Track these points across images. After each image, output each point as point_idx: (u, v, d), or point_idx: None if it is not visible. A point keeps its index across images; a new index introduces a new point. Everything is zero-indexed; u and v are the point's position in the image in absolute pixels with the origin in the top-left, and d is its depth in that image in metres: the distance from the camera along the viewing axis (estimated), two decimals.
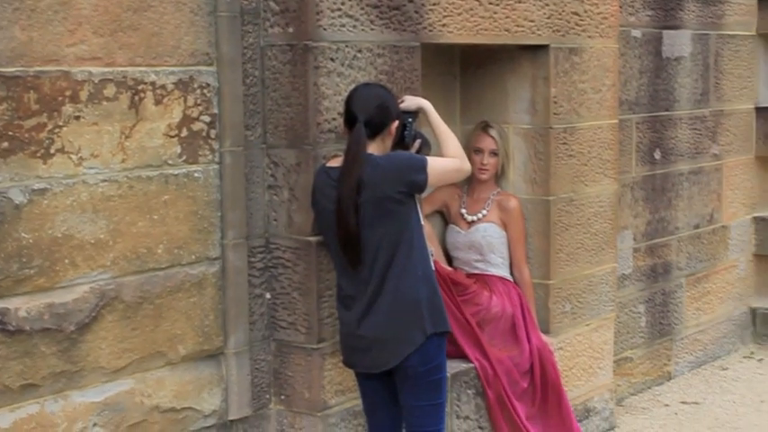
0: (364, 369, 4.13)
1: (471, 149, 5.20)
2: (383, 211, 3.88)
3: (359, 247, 3.90)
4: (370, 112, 3.95)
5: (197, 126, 4.11)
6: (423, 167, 3.95)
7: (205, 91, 4.13)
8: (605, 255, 5.70)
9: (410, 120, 4.20)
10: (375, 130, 3.97)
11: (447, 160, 4.14)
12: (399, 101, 4.22)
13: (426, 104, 4.30)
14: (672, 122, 6.57)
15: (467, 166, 4.19)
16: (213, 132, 4.16)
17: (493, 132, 5.24)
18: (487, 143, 5.23)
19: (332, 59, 4.23)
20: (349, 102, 4.03)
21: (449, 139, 4.22)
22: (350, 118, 3.98)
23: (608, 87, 5.61)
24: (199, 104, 4.11)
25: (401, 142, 4.15)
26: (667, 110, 6.52)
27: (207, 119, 4.14)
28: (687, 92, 6.67)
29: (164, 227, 4.02)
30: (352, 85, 4.22)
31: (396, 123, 4.05)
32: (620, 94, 5.96)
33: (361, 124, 3.92)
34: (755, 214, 7.48)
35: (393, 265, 3.92)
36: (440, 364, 4.07)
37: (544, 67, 5.25)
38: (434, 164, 4.01)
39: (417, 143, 4.24)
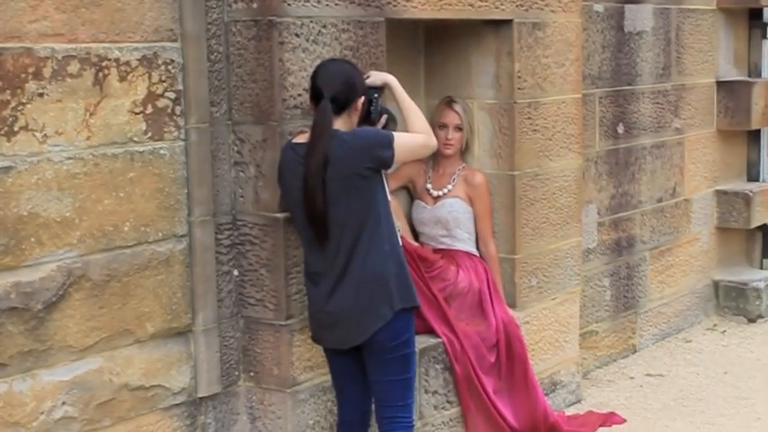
0: (333, 345, 4.15)
1: (436, 125, 5.21)
2: (350, 188, 3.90)
3: (326, 223, 3.92)
4: (336, 88, 3.96)
5: (162, 103, 4.10)
6: (389, 143, 3.97)
7: (170, 67, 4.11)
8: (570, 229, 5.75)
9: (376, 95, 4.21)
10: (341, 105, 3.98)
11: (413, 136, 4.16)
12: (365, 76, 4.23)
13: (392, 80, 4.32)
14: (634, 97, 6.62)
15: (433, 141, 4.21)
16: (178, 109, 4.15)
17: (457, 107, 5.27)
18: (452, 118, 5.25)
19: (296, 35, 4.24)
20: (315, 77, 4.03)
21: (415, 114, 4.24)
22: (316, 94, 3.99)
23: (571, 62, 5.64)
24: (163, 81, 4.09)
25: (367, 118, 4.17)
26: (630, 84, 6.57)
27: (172, 95, 4.13)
28: (649, 66, 6.72)
29: (130, 204, 4.01)
30: (318, 61, 4.23)
31: (362, 99, 4.07)
32: (584, 69, 5.99)
33: (326, 100, 3.93)
34: (717, 187, 7.55)
35: (360, 240, 3.94)
36: (408, 339, 4.09)
37: (508, 41, 5.28)
38: (401, 140, 4.03)
39: (383, 119, 4.26)
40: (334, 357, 4.20)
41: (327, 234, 3.93)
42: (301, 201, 3.93)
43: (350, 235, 3.93)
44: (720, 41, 7.48)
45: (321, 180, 3.86)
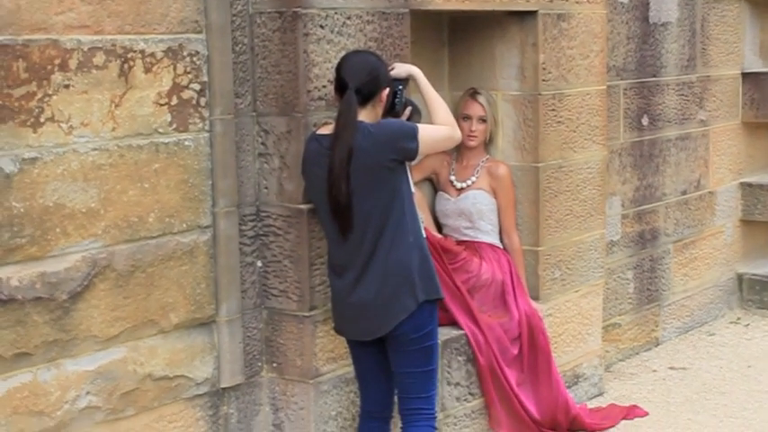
0: (356, 336, 4.16)
1: (460, 116, 5.21)
2: (374, 179, 3.91)
3: (350, 214, 3.93)
4: (360, 79, 3.97)
5: (187, 94, 4.12)
6: (414, 135, 3.98)
7: (194, 59, 4.13)
8: (594, 221, 5.75)
9: (400, 87, 4.22)
10: (366, 97, 3.99)
11: (438, 128, 4.17)
12: (389, 68, 4.24)
13: (416, 71, 4.32)
14: (659, 88, 6.60)
15: (457, 133, 4.22)
16: (203, 100, 4.17)
17: (481, 99, 5.27)
18: (476, 110, 5.25)
19: (321, 26, 4.24)
20: (340, 69, 4.04)
21: (439, 106, 4.25)
22: (341, 85, 4.00)
23: (596, 53, 5.63)
24: (188, 72, 4.11)
25: (391, 110, 4.18)
26: (654, 76, 6.55)
27: (197, 87, 4.14)
28: (674, 58, 6.70)
29: (155, 195, 4.03)
30: (342, 53, 4.24)
31: (386, 91, 4.07)
32: (608, 61, 5.98)
33: (351, 91, 3.94)
34: (742, 180, 7.52)
35: (384, 232, 3.95)
36: (431, 330, 4.11)
37: (532, 33, 5.27)
38: (425, 131, 4.04)
39: (408, 111, 4.27)
40: (358, 349, 4.22)
41: (351, 226, 3.94)
42: (325, 192, 3.94)
43: (374, 227, 3.94)
44: (746, 33, 7.45)
45: (346, 172, 3.88)
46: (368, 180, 3.91)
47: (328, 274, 4.19)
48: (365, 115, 4.00)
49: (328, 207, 3.96)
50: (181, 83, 4.09)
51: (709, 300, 7.32)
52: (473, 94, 5.28)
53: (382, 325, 4.02)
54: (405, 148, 3.95)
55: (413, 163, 4.17)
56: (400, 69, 4.30)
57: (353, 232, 3.96)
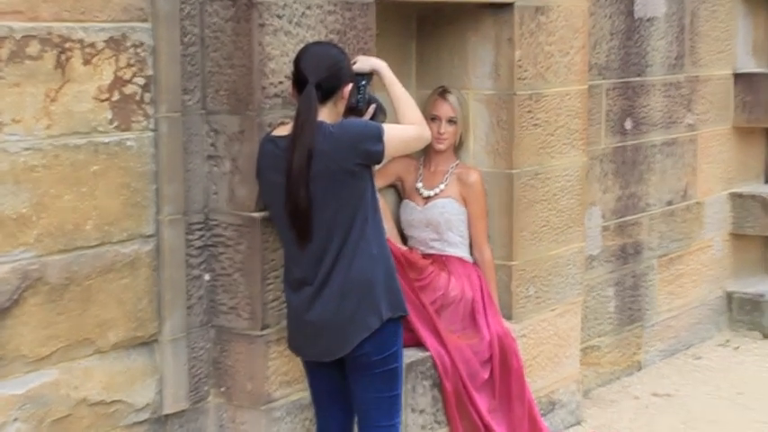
0: (313, 357, 4.18)
1: (427, 117, 5.23)
2: (336, 185, 3.93)
3: (309, 223, 3.95)
4: (321, 74, 3.99)
5: (130, 89, 4.12)
6: (379, 136, 4.01)
7: (139, 50, 4.13)
8: (572, 233, 5.80)
9: (363, 83, 4.25)
10: (327, 93, 4.01)
11: (405, 127, 4.20)
12: (352, 62, 4.27)
13: (381, 65, 4.35)
14: (644, 89, 6.68)
15: (427, 133, 4.25)
16: (148, 96, 4.17)
17: (451, 98, 5.31)
18: (445, 110, 5.29)
19: (278, 16, 4.26)
20: (298, 62, 4.06)
21: (406, 104, 4.28)
22: (299, 80, 4.02)
23: (576, 50, 5.69)
24: (132, 65, 4.11)
25: (354, 108, 4.20)
26: (639, 75, 6.62)
27: (141, 81, 4.14)
28: (661, 56, 6.78)
29: (93, 201, 4.03)
30: (301, 45, 4.25)
31: (349, 86, 4.10)
32: (590, 58, 6.04)
33: (311, 86, 3.96)
34: (732, 190, 7.62)
35: (346, 243, 3.97)
36: (396, 352, 4.13)
37: (508, 27, 5.32)
38: (392, 132, 4.07)
39: (371, 109, 4.29)
40: (315, 371, 4.24)
41: (311, 236, 3.97)
42: (282, 199, 3.96)
43: (335, 237, 3.97)
44: (739, 29, 7.54)
45: (305, 177, 3.89)
46: (329, 186, 3.93)
47: (284, 289, 4.21)
48: (326, 114, 4.02)
49: (285, 215, 3.98)
50: (123, 76, 4.09)
51: (697, 320, 7.40)
52: (442, 92, 5.32)
53: (342, 345, 4.04)
54: (369, 150, 3.98)
55: (377, 167, 4.20)
56: (363, 63, 4.33)
57: (312, 243, 3.98)
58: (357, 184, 3.98)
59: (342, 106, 4.12)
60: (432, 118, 5.28)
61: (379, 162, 4.07)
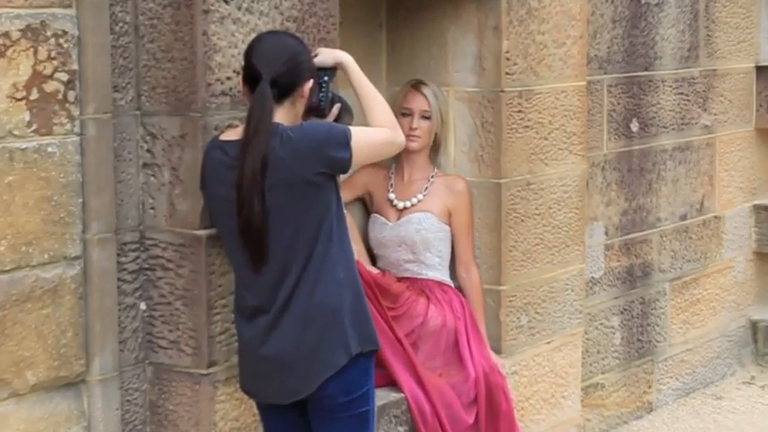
0: (269, 399, 4.17)
1: (398, 111, 5.22)
2: (296, 198, 3.93)
3: (264, 242, 3.94)
4: (276, 69, 3.99)
5: (51, 86, 4.10)
6: (345, 141, 4.00)
7: (61, 41, 4.12)
8: (571, 253, 5.81)
9: (326, 78, 4.25)
10: (284, 91, 4.01)
11: (375, 131, 4.19)
12: (313, 54, 4.27)
13: (346, 59, 4.35)
14: (653, 85, 6.70)
15: (400, 137, 4.24)
16: (72, 95, 4.15)
17: (426, 91, 5.31)
18: (418, 102, 5.29)
19: (225, 2, 4.26)
20: (249, 55, 4.06)
21: (376, 103, 4.28)
22: (251, 76, 4.01)
23: (574, 40, 5.71)
24: (53, 58, 4.09)
25: (316, 108, 4.20)
26: (647, 69, 6.65)
27: (64, 77, 4.13)
28: (671, 46, 6.81)
29: (7, 217, 4.00)
30: (253, 35, 4.25)
31: (309, 83, 4.10)
32: (589, 50, 6.06)
33: (266, 83, 3.95)
34: (756, 202, 7.65)
35: (308, 265, 3.97)
36: (366, 393, 4.12)
37: (494, 13, 5.34)
38: (360, 136, 4.07)
39: (336, 109, 4.29)
40: (271, 415, 4.23)
41: (266, 257, 3.96)
42: (233, 214, 3.95)
43: (295, 258, 3.96)
44: (762, 16, 7.58)
45: (259, 188, 3.88)
46: (288, 199, 3.93)
47: (235, 319, 4.20)
48: (282, 115, 4.02)
49: (236, 233, 3.97)
50: (43, 71, 4.07)
51: (716, 353, 7.42)
52: (416, 83, 5.33)
53: (303, 384, 4.04)
54: (334, 157, 3.98)
55: (343, 177, 4.20)
56: (326, 56, 4.32)
57: (268, 265, 3.97)
58: (320, 197, 3.98)
59: (301, 106, 4.12)
60: (403, 112, 5.27)
61: (345, 171, 4.07)
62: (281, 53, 4.03)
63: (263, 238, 3.93)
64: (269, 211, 3.91)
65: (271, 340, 4.02)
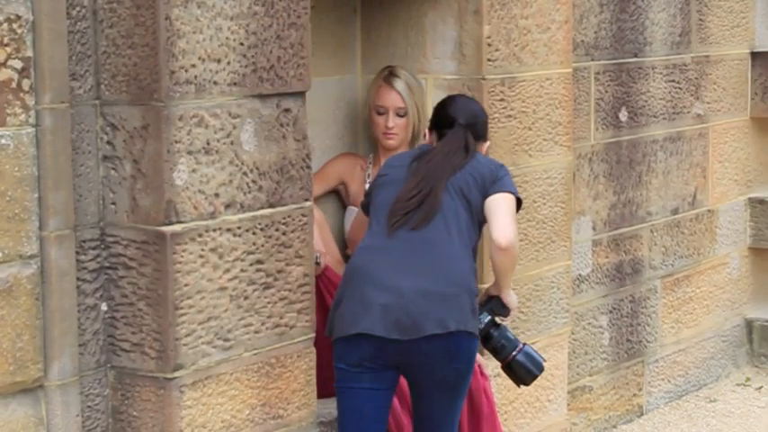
0: (386, 332, 4.56)
1: (372, 108, 5.25)
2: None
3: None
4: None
5: (4, 74, 4.06)
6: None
7: (14, 26, 4.08)
8: (556, 249, 5.80)
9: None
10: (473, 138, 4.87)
11: (513, 209, 4.80)
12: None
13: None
14: (642, 72, 6.70)
15: (515, 242, 4.72)
16: (26, 83, 4.12)
17: (398, 84, 5.28)
18: (392, 100, 5.27)
19: None
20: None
21: None
22: (445, 121, 4.88)
23: (559, 25, 5.70)
24: (6, 45, 4.06)
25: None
26: (636, 55, 6.65)
27: (17, 64, 4.09)
28: (662, 31, 6.81)
29: None
30: (218, 19, 4.26)
31: (488, 144, 5.01)
32: (575, 35, 6.06)
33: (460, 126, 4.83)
34: (751, 195, 7.66)
35: None
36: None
37: None
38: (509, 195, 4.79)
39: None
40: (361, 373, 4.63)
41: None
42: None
43: None
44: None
45: (447, 176, 4.71)
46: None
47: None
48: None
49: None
50: None
51: (710, 354, 7.42)
52: (388, 76, 5.31)
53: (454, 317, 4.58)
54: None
55: (315, 169, 4.20)
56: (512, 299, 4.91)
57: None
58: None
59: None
60: (377, 110, 5.27)
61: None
62: (474, 107, 4.97)
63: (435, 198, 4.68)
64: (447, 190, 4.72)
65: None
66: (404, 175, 4.71)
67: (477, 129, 4.88)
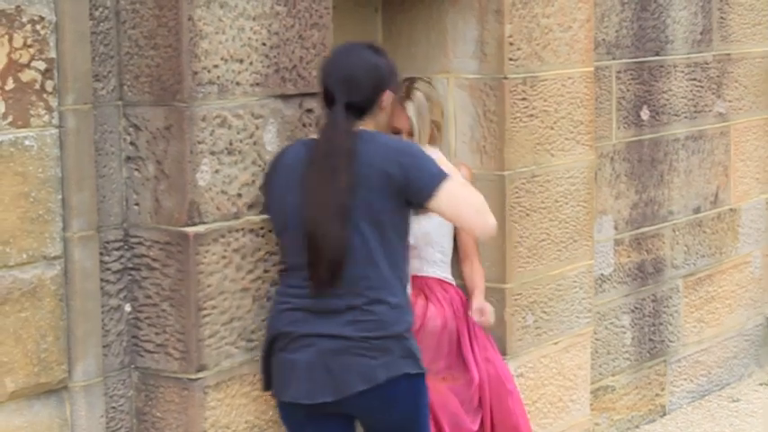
0: (306, 398, 4.26)
1: (390, 129, 5.22)
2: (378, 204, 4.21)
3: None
4: (352, 91, 4.24)
5: (28, 75, 4.08)
6: (436, 184, 4.22)
7: (38, 27, 4.10)
8: (579, 249, 5.80)
9: None
10: (361, 110, 4.27)
11: (476, 193, 4.39)
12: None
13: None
14: (664, 71, 6.69)
15: (491, 220, 4.35)
16: (50, 84, 4.14)
17: (410, 107, 5.20)
18: (403, 122, 5.19)
19: None
20: (323, 74, 4.32)
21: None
22: (327, 97, 4.29)
23: (581, 24, 5.70)
24: (30, 45, 4.08)
25: None
26: (658, 54, 6.64)
27: (41, 66, 4.11)
28: (683, 29, 6.80)
29: None
30: (241, 20, 4.27)
31: (388, 93, 4.34)
32: (596, 34, 6.05)
33: (340, 106, 4.21)
34: None
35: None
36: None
37: None
38: (457, 184, 4.28)
39: None
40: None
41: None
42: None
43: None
44: None
45: (344, 206, 4.14)
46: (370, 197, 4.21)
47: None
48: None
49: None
50: (19, 60, 4.05)
51: (732, 353, 7.41)
52: (403, 97, 5.23)
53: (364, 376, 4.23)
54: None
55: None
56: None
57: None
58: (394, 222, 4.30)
59: (383, 116, 4.39)
60: (393, 131, 5.25)
61: (420, 205, 4.30)
62: (357, 72, 4.26)
63: (339, 262, 4.17)
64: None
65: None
66: (296, 182, 4.23)
67: (361, 100, 4.26)
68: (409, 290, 4.44)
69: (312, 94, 4.54)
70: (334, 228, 4.10)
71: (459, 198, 4.26)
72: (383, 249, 4.21)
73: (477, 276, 5.32)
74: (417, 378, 4.31)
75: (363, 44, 4.42)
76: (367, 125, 4.29)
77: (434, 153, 4.61)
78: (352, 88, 4.23)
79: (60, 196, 4.20)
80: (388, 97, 4.34)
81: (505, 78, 5.36)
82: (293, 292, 4.26)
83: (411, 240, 5.24)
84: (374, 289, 4.20)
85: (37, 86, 4.12)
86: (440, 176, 4.22)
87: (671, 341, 6.90)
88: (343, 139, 4.18)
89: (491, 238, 5.33)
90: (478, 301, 5.23)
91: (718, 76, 7.10)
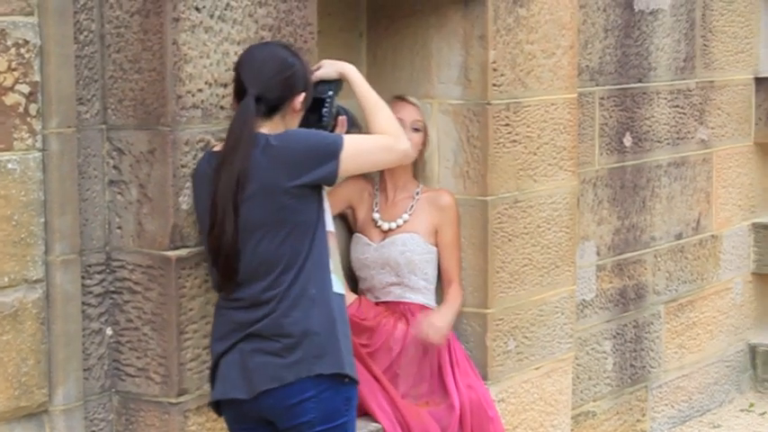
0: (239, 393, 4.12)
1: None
2: (272, 210, 4.02)
3: (234, 264, 4.03)
4: (264, 83, 4.08)
5: (11, 99, 4.07)
6: (334, 150, 4.06)
7: (22, 50, 4.09)
8: (561, 274, 5.80)
9: (330, 93, 4.30)
10: (272, 105, 4.10)
11: (374, 137, 4.24)
12: (315, 67, 4.33)
13: (350, 70, 4.42)
14: (647, 97, 6.70)
15: (403, 143, 4.25)
16: (34, 108, 4.13)
17: (413, 100, 5.30)
18: (408, 112, 5.25)
19: (197, 9, 4.25)
20: (238, 67, 4.17)
21: (379, 110, 4.33)
22: (239, 89, 4.12)
23: (564, 50, 5.71)
24: (14, 69, 4.07)
25: (319, 122, 4.24)
26: (641, 81, 6.66)
27: (25, 89, 4.11)
28: (666, 57, 6.82)
29: None
30: (225, 44, 4.26)
31: (301, 96, 4.15)
32: (580, 60, 6.06)
33: (250, 98, 4.04)
34: (755, 220, 7.66)
35: (282, 282, 4.07)
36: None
37: (480, 22, 5.33)
38: (354, 143, 4.12)
39: (343, 122, 4.34)
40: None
41: (235, 279, 4.04)
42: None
43: (268, 275, 4.04)
44: (761, 25, 7.60)
45: (233, 207, 3.96)
46: (263, 209, 4.00)
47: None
48: (269, 130, 4.09)
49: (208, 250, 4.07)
50: (3, 83, 4.05)
51: (713, 379, 7.41)
52: (400, 96, 5.32)
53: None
54: (318, 167, 4.04)
55: (327, 189, 4.20)
56: (329, 69, 4.39)
57: (240, 285, 4.07)
58: (300, 209, 4.05)
59: (293, 120, 4.20)
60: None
61: (329, 183, 4.12)
62: (270, 66, 4.12)
63: (232, 259, 4.00)
64: (244, 227, 3.98)
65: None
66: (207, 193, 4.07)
67: (271, 96, 4.11)
68: (341, 282, 4.22)
69: None
70: (229, 223, 3.96)
71: (363, 148, 4.19)
72: (292, 241, 4.03)
73: (451, 296, 5.32)
74: (335, 380, 4.10)
75: (281, 43, 4.39)
76: (276, 125, 4.13)
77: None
78: (263, 81, 4.09)
79: (43, 219, 4.19)
80: (300, 100, 4.17)
81: (489, 104, 5.36)
82: (222, 304, 4.19)
83: (395, 268, 5.28)
84: (286, 284, 4.03)
85: (21, 110, 4.11)
86: (335, 143, 4.07)
87: (652, 367, 6.90)
88: (251, 127, 4.02)
89: (473, 262, 5.39)
90: (436, 314, 5.22)
91: (700, 103, 7.11)
